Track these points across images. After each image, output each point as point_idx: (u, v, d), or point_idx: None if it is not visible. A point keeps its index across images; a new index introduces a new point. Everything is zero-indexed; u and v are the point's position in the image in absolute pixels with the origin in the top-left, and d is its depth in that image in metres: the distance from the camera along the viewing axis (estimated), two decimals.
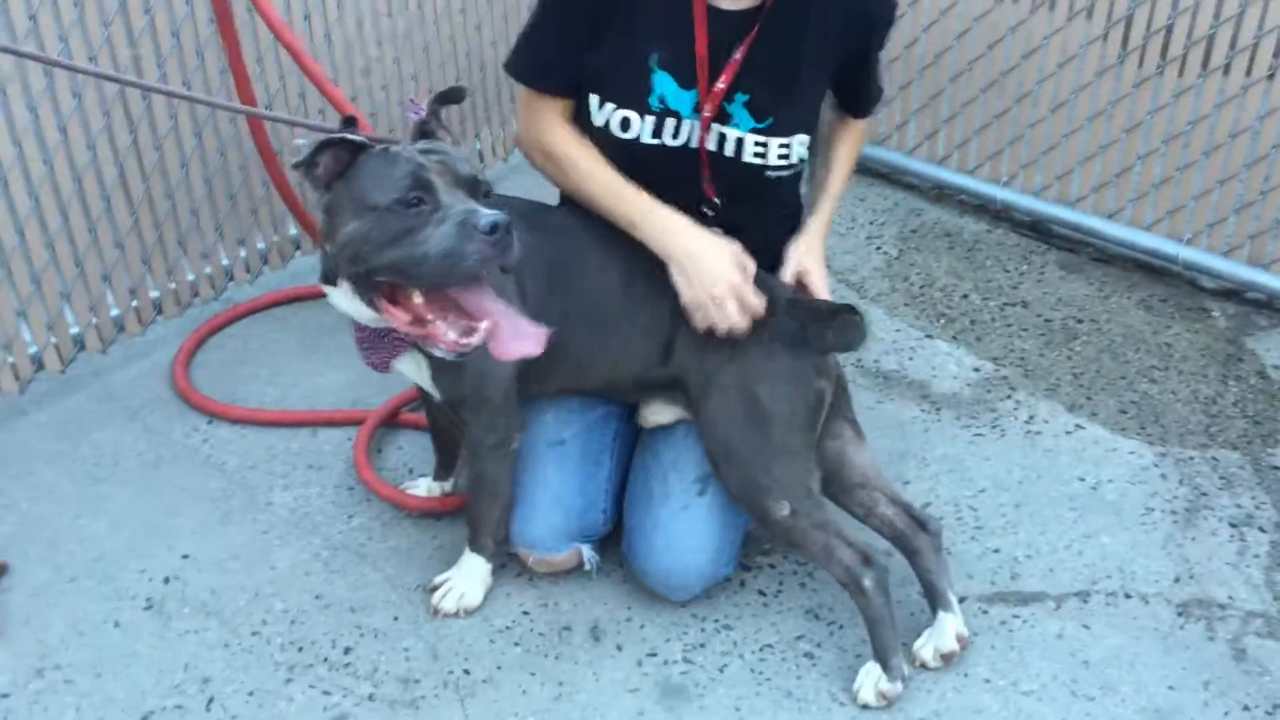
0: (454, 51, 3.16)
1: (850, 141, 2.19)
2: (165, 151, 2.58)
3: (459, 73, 3.19)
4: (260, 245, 2.89)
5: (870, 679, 1.90)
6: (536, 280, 1.92)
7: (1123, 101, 2.94)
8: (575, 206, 2.03)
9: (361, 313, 1.80)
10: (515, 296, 1.86)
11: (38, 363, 2.55)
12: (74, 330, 2.59)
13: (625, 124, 1.97)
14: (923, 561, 1.98)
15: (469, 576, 2.08)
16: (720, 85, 1.94)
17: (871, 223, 3.26)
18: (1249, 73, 2.72)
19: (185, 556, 2.20)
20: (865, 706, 1.89)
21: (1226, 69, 2.75)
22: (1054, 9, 2.97)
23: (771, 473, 1.90)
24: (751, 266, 1.92)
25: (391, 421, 2.50)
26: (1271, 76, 2.69)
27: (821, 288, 2.05)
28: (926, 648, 1.95)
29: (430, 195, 1.65)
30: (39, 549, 2.20)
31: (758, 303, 1.89)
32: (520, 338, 1.71)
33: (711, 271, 1.88)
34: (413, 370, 1.93)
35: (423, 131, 1.81)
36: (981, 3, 3.09)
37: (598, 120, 1.98)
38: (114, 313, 2.65)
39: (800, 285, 2.05)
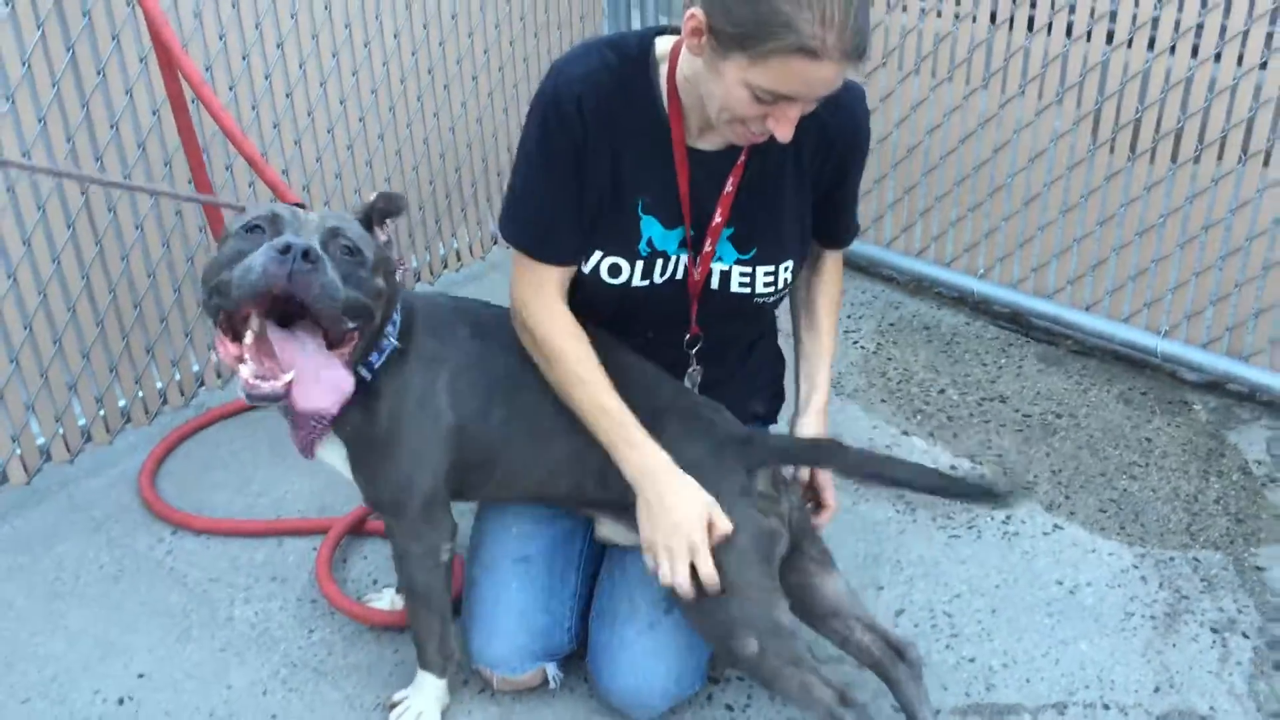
0: (427, 152, 3.17)
1: (827, 290, 2.12)
2: (131, 260, 2.58)
3: (432, 173, 3.21)
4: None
5: None
6: (473, 388, 1.88)
7: (1095, 194, 2.94)
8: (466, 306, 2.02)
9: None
10: (443, 393, 1.84)
11: (2, 475, 2.52)
12: (40, 441, 2.57)
13: (615, 270, 1.93)
14: (902, 691, 1.92)
15: (425, 695, 2.03)
16: (718, 220, 1.92)
17: (849, 316, 3.24)
18: (1220, 161, 2.72)
19: (141, 675, 2.15)
20: None
21: (1197, 159, 2.75)
22: (1024, 99, 2.98)
23: (731, 609, 1.83)
24: (724, 526, 1.82)
25: (357, 530, 2.46)
26: (1243, 165, 2.69)
27: (831, 499, 2.03)
28: None
29: (274, 227, 1.64)
30: None
31: (711, 576, 1.81)
32: (318, 389, 1.65)
33: (675, 524, 1.80)
34: (337, 459, 1.89)
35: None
36: (951, 97, 3.10)
37: (586, 267, 1.93)
38: (81, 422, 2.63)
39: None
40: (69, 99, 2.36)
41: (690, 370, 2.05)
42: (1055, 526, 2.45)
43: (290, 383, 1.62)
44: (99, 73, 2.39)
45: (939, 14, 3.06)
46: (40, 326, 2.47)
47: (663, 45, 1.87)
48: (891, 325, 3.19)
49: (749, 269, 1.95)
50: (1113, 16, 2.75)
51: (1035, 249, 3.09)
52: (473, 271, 3.40)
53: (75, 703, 2.10)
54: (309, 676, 2.14)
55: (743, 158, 1.89)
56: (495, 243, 3.48)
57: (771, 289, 1.98)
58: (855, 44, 1.61)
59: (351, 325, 1.67)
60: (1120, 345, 2.99)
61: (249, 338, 1.63)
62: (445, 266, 3.37)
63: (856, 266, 3.44)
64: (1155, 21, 2.70)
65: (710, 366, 2.06)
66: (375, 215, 1.78)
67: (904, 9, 3.12)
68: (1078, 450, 2.68)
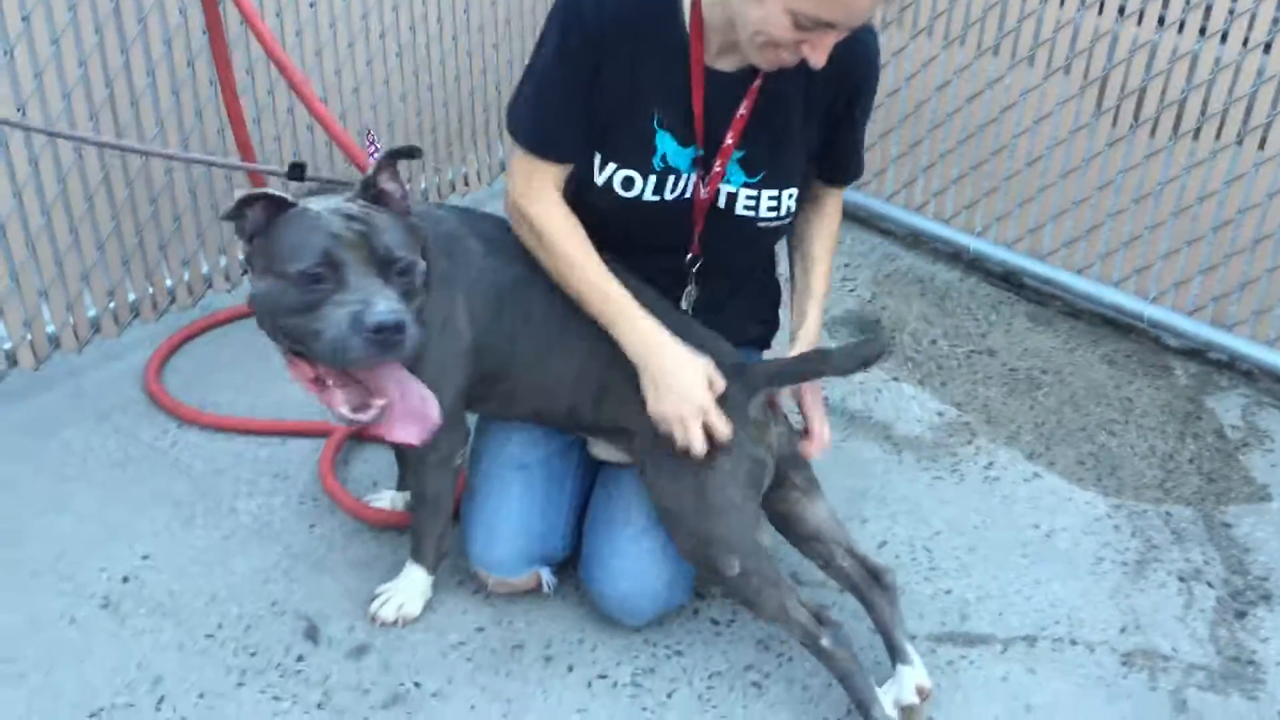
0: (443, 75, 3.20)
1: (826, 235, 2.17)
2: (150, 159, 2.61)
3: (446, 96, 3.24)
4: (240, 255, 2.92)
5: None
6: (487, 303, 1.94)
7: (1095, 159, 3.00)
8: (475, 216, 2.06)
9: None
10: (461, 311, 1.90)
11: (12, 359, 2.56)
12: (50, 329, 2.61)
13: (629, 183, 1.98)
14: (879, 615, 2.00)
15: (410, 587, 2.11)
16: (729, 141, 1.97)
17: (847, 265, 3.31)
18: (1218, 138, 2.79)
19: (145, 557, 2.21)
20: None
21: (1196, 133, 2.82)
22: (1033, 65, 3.04)
23: (715, 530, 1.91)
24: (720, 385, 1.91)
25: (359, 436, 2.52)
26: (1240, 142, 2.76)
27: (821, 427, 2.05)
28: (885, 700, 1.95)
29: (336, 273, 1.65)
30: (1, 543, 2.21)
31: (724, 427, 1.89)
32: (409, 422, 1.74)
33: (681, 392, 1.88)
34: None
35: (367, 185, 1.76)
36: (962, 56, 3.15)
37: (599, 179, 1.97)
38: (91, 313, 2.67)
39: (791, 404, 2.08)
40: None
41: (687, 290, 2.11)
42: (1035, 474, 2.54)
43: (382, 410, 1.71)
44: None
45: None
46: (58, 215, 2.50)
47: None
48: (887, 277, 3.27)
49: (755, 192, 2.01)
50: None
51: (1033, 210, 3.16)
52: (479, 198, 3.44)
53: (81, 578, 2.16)
54: (309, 569, 2.21)
55: (758, 82, 1.94)
56: (504, 169, 3.52)
57: (775, 214, 2.03)
58: None
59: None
60: (1108, 308, 3.07)
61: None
62: (454, 190, 3.41)
63: (856, 218, 3.50)
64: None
65: (707, 288, 2.11)
66: (392, 168, 1.79)
67: None
68: (1061, 405, 2.76)
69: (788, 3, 1.69)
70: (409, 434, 1.74)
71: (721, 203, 2.02)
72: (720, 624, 2.14)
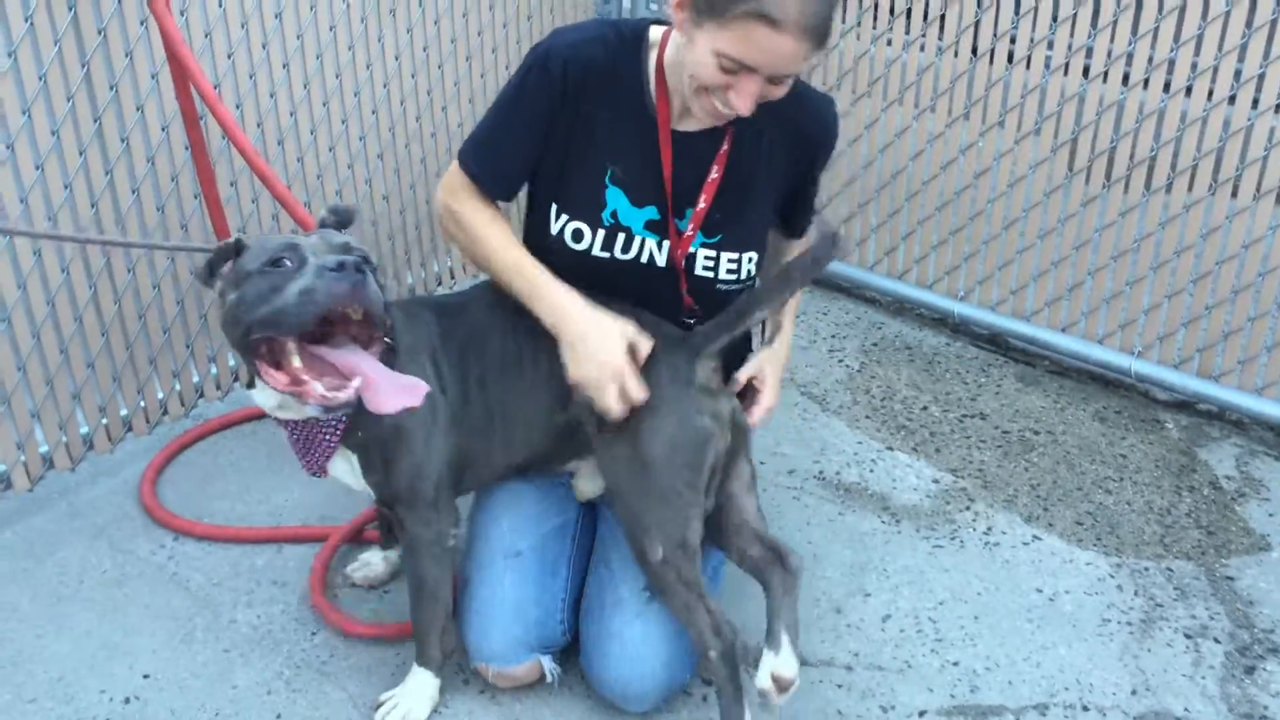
0: (424, 174, 3.25)
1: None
2: (138, 271, 2.64)
3: (428, 191, 3.28)
4: (231, 361, 2.93)
5: None
6: (452, 359, 2.00)
7: (1071, 219, 3.04)
8: (480, 286, 2.13)
9: (275, 400, 1.87)
10: (431, 376, 1.94)
11: (6, 481, 2.56)
12: (43, 448, 2.61)
13: (578, 235, 2.05)
14: (772, 597, 2.00)
15: (415, 693, 2.09)
16: (702, 204, 2.01)
17: (834, 336, 3.33)
18: (1190, 191, 2.83)
19: (146, 676, 2.19)
20: None
21: (1169, 188, 2.86)
22: (1003, 129, 3.09)
23: (652, 513, 1.94)
24: (645, 346, 1.94)
25: (355, 539, 2.51)
26: (1212, 194, 2.80)
27: (769, 397, 2.10)
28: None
29: (295, 254, 1.74)
30: (0, 669, 2.20)
31: (638, 392, 1.92)
32: (397, 390, 1.75)
33: (597, 356, 1.91)
34: (346, 472, 1.98)
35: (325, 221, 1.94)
36: (934, 124, 3.21)
37: (553, 229, 2.05)
38: (84, 430, 2.68)
39: (750, 388, 2.10)
40: (82, 113, 2.42)
41: None
42: (1035, 537, 2.54)
43: (360, 388, 1.73)
44: (112, 88, 2.45)
45: (922, 48, 3.17)
46: (48, 335, 2.52)
47: (656, 33, 2.00)
48: (875, 345, 3.29)
49: (714, 253, 2.05)
50: (1089, 51, 2.87)
51: (1014, 272, 3.19)
52: (464, 288, 3.46)
53: (82, 702, 2.14)
54: (312, 677, 2.19)
55: (725, 145, 1.99)
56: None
57: (734, 277, 2.07)
58: (814, 24, 1.73)
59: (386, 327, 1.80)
60: (1095, 365, 3.09)
61: (296, 361, 1.75)
62: (439, 283, 3.44)
63: (840, 288, 3.53)
64: (1130, 57, 2.82)
65: None
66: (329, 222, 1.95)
67: (889, 42, 3.23)
68: (1055, 465, 2.77)
69: (713, 44, 1.76)
70: (402, 399, 1.74)
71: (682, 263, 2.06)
72: None
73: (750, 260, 2.07)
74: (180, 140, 2.60)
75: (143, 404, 2.77)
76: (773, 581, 2.02)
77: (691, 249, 2.05)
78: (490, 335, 2.04)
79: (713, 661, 1.92)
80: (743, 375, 2.11)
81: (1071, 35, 2.90)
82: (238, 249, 1.83)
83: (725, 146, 2.00)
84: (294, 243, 1.77)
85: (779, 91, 1.84)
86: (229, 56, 2.64)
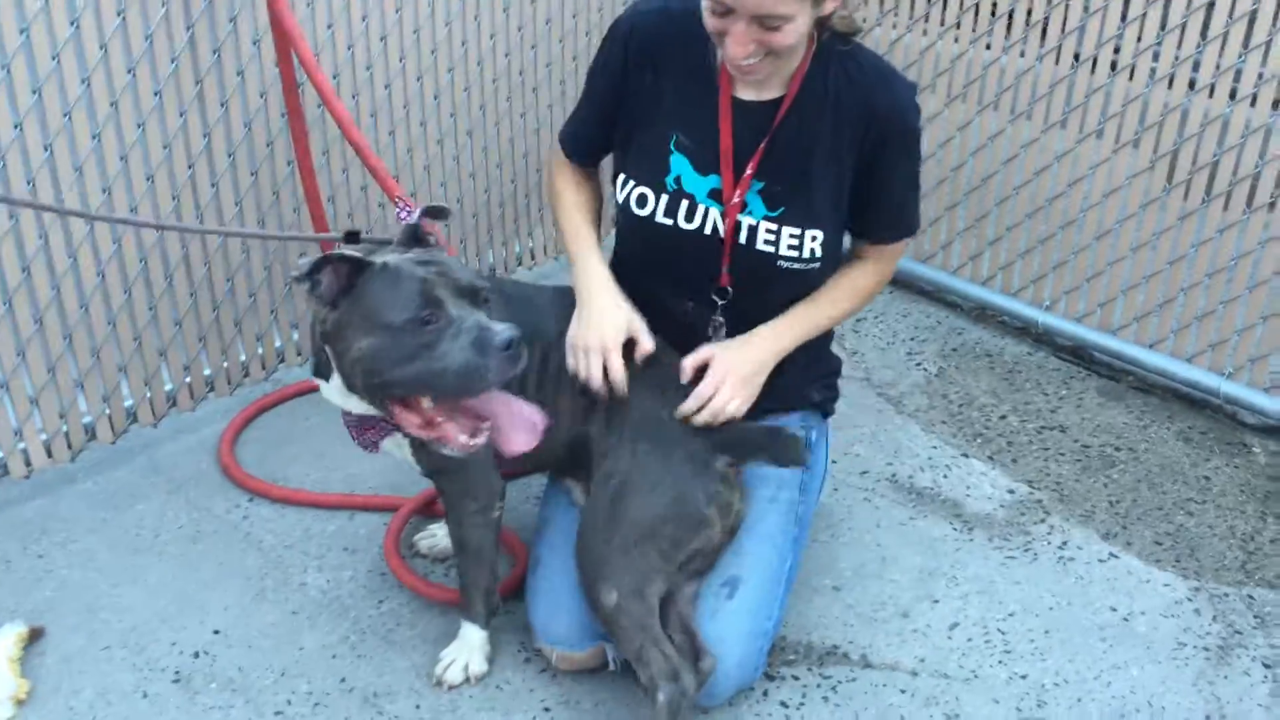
0: (511, 153, 3.25)
1: (848, 275, 2.17)
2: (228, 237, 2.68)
3: (514, 173, 3.29)
4: (318, 324, 2.96)
5: None
6: None
7: (1167, 233, 2.97)
8: (542, 286, 2.21)
9: (350, 404, 1.89)
10: None
11: (90, 432, 2.62)
12: (128, 402, 2.67)
13: (641, 200, 2.08)
14: None
15: (470, 646, 2.13)
16: (748, 172, 2.01)
17: (913, 339, 3.29)
18: None
19: (216, 632, 2.23)
20: None
21: (1271, 206, 2.78)
22: (1101, 138, 3.02)
23: (610, 563, 1.94)
24: (645, 343, 2.02)
25: (426, 511, 2.53)
26: None
27: (707, 388, 2.03)
28: None
29: (440, 311, 1.72)
30: (75, 615, 2.24)
31: (618, 373, 1.98)
32: (520, 430, 1.81)
33: (596, 324, 2.00)
34: (394, 448, 2.01)
35: (412, 235, 1.87)
36: (1029, 130, 3.15)
37: (620, 196, 2.11)
38: (168, 387, 2.73)
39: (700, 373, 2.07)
40: (185, 76, 2.46)
41: (714, 321, 2.13)
42: (1111, 555, 2.48)
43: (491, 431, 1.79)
44: (215, 51, 2.49)
45: (1023, 52, 3.11)
46: (139, 292, 2.57)
47: None
48: (954, 350, 3.24)
49: (775, 227, 2.04)
50: (1195, 65, 2.79)
51: (1103, 284, 3.12)
52: (545, 271, 3.48)
53: (153, 652, 2.18)
54: (378, 644, 2.21)
55: (781, 113, 2.00)
56: None
57: (795, 254, 2.04)
58: None
59: None
60: (1182, 384, 3.01)
61: (428, 402, 1.79)
62: (519, 263, 3.45)
63: (921, 291, 3.48)
64: (1238, 73, 2.74)
65: (745, 330, 2.12)
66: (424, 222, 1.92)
67: (988, 45, 3.18)
68: (1136, 484, 2.71)
69: None
70: (524, 440, 1.82)
71: (743, 237, 2.05)
72: (790, 707, 2.11)
73: (814, 239, 2.04)
74: (277, 107, 2.63)
75: (225, 365, 2.82)
76: (691, 689, 1.94)
77: (753, 222, 2.04)
78: (545, 338, 2.06)
79: (659, 704, 1.89)
80: (688, 363, 2.06)
81: (1179, 46, 2.82)
82: (356, 266, 1.74)
83: (780, 114, 2.00)
84: (433, 294, 1.72)
85: (779, 39, 1.84)
86: (328, 28, 2.67)
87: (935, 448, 2.83)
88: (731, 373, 2.04)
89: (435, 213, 1.92)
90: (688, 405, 2.03)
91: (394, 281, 1.73)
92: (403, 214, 1.99)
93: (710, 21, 1.86)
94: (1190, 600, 2.36)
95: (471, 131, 3.13)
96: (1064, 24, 3.00)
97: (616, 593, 1.93)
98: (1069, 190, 3.12)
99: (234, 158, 2.62)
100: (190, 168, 2.55)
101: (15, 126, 2.24)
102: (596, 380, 1.99)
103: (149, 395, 2.69)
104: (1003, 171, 3.24)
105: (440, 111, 3.01)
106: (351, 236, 1.96)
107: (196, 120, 2.53)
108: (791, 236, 2.04)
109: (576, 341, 2.02)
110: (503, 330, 1.70)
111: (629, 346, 2.03)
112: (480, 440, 1.79)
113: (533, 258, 3.48)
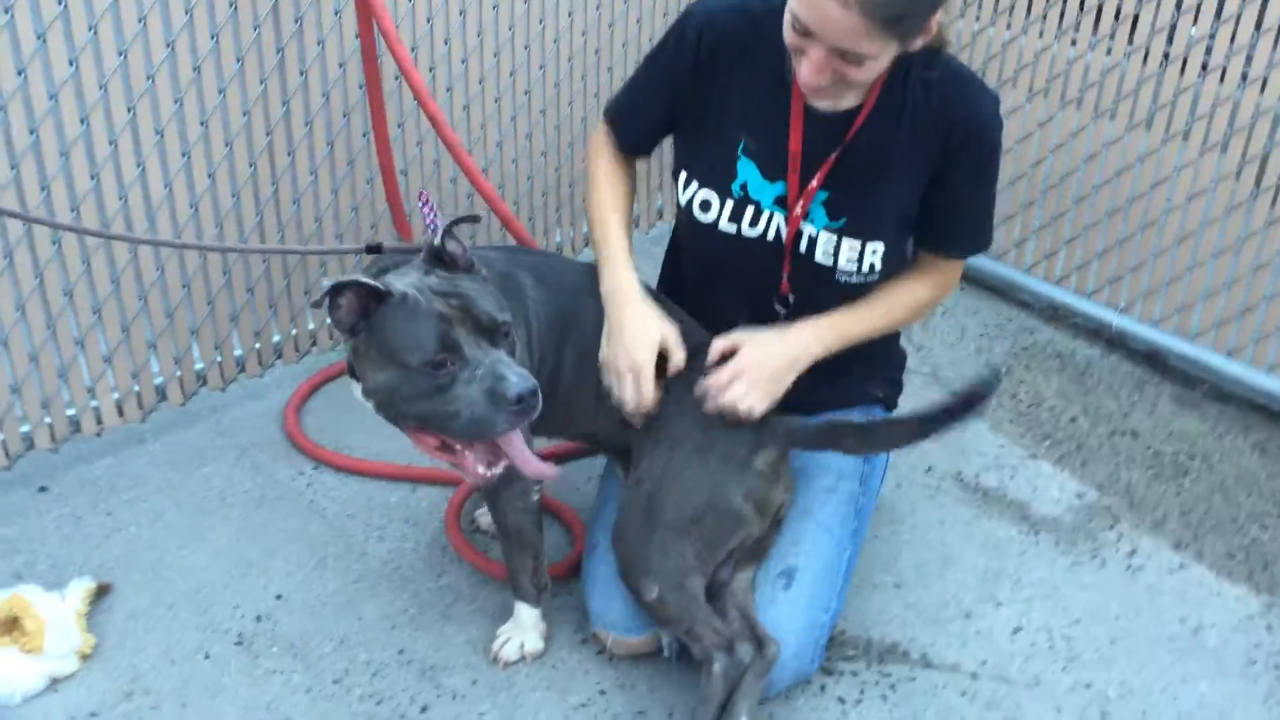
0: (584, 132, 3.24)
1: (907, 282, 2.09)
2: (303, 204, 2.69)
3: (586, 153, 3.26)
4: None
5: None
6: (542, 333, 1.99)
7: (1251, 239, 2.89)
8: (579, 263, 2.15)
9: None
10: (526, 347, 1.94)
11: (161, 394, 2.65)
12: (198, 365, 2.69)
13: (705, 205, 2.03)
14: (742, 678, 1.92)
15: (523, 625, 2.13)
16: (814, 184, 1.97)
17: (982, 336, 3.24)
18: None
19: (279, 597, 2.25)
20: None
21: None
22: (1187, 141, 2.95)
23: (646, 554, 1.92)
24: (677, 357, 1.96)
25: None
26: None
27: (724, 377, 1.96)
28: None
29: (456, 354, 1.70)
30: (142, 574, 2.27)
31: (649, 394, 1.94)
32: (532, 472, 1.82)
33: (629, 344, 1.95)
34: None
35: (438, 253, 1.81)
36: (1112, 129, 3.08)
37: (682, 197, 2.06)
38: (238, 353, 2.75)
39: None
40: (267, 42, 2.47)
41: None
42: (1181, 565, 2.43)
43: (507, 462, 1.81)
44: (297, 20, 2.50)
45: (1109, 51, 3.04)
46: (213, 256, 2.59)
47: None
48: (1024, 350, 3.18)
49: (834, 238, 1.99)
50: None
51: (1181, 289, 3.05)
52: None
53: (216, 614, 2.20)
54: (435, 617, 2.22)
55: (858, 121, 1.93)
56: (636, 227, 3.54)
57: (854, 266, 2.00)
58: (875, 1, 1.67)
59: None
60: (1261, 394, 2.94)
61: None
62: (586, 245, 3.43)
63: (993, 289, 3.43)
64: None
65: None
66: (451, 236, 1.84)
67: (1073, 42, 3.11)
68: (1209, 493, 2.65)
69: (790, 4, 1.77)
70: (541, 471, 1.82)
71: (803, 246, 2.01)
72: (847, 703, 2.09)
73: (874, 252, 1.99)
74: (356, 78, 2.63)
75: (294, 332, 2.84)
76: (746, 660, 1.93)
77: (813, 232, 1.99)
78: (579, 323, 2.03)
79: (714, 674, 1.88)
80: (717, 345, 2.00)
81: (1275, 49, 2.75)
82: (379, 295, 1.71)
83: (856, 126, 1.94)
84: (450, 337, 1.70)
85: (856, 73, 1.79)
86: (409, 1, 2.67)
87: (1002, 447, 2.78)
88: (755, 368, 1.96)
89: (465, 220, 1.86)
90: (697, 391, 1.97)
91: (411, 317, 1.71)
92: (428, 219, 1.98)
93: (790, 37, 1.80)
94: (1263, 616, 2.31)
95: (545, 110, 3.11)
96: (1154, 21, 2.93)
97: (658, 587, 1.92)
98: (1151, 191, 3.05)
99: (310, 126, 2.62)
100: (268, 134, 2.57)
101: (100, 87, 2.26)
102: (630, 404, 1.96)
103: (219, 359, 2.72)
104: (1083, 170, 3.17)
105: (515, 88, 3.01)
106: (374, 249, 1.96)
107: (276, 88, 2.54)
108: (851, 249, 1.99)
109: (609, 363, 1.98)
110: (516, 383, 1.69)
111: (663, 359, 1.98)
112: (498, 471, 1.80)
113: (585, 244, 3.46)
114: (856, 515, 2.16)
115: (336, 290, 1.70)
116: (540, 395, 1.72)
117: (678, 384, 1.99)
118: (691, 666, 2.10)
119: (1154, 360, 3.13)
